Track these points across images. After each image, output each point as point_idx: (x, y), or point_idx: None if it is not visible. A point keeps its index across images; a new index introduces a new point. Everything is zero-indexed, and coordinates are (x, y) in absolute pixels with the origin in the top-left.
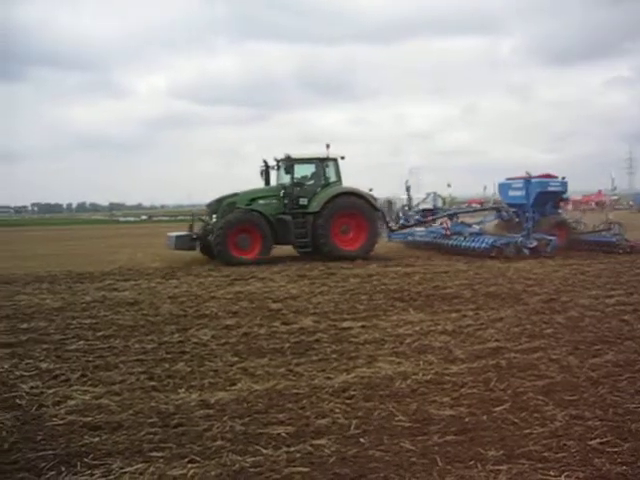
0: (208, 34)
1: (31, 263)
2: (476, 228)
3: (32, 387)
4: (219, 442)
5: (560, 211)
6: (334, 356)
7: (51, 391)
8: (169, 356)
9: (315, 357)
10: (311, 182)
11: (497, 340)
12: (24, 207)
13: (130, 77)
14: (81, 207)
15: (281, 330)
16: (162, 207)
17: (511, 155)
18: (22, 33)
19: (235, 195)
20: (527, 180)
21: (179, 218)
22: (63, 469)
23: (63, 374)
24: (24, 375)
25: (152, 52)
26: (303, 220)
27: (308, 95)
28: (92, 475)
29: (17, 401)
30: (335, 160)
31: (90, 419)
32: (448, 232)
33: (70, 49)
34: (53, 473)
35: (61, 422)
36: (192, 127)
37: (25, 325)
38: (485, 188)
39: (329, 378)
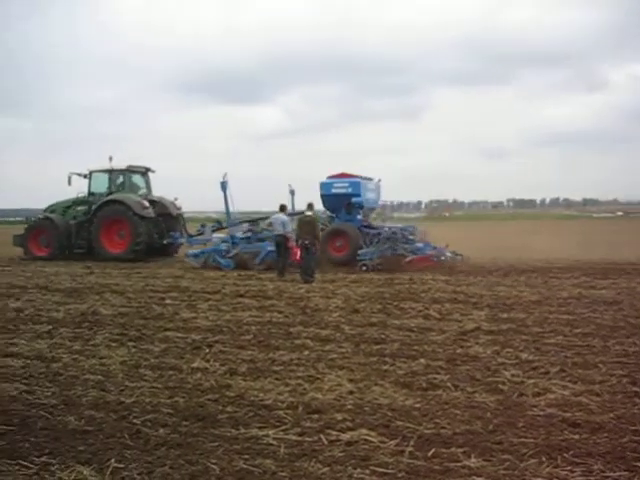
0: None
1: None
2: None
3: (513, 375)
4: None
5: (360, 217)
6: None
7: (531, 381)
8: None
9: None
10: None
11: None
12: (500, 202)
13: (606, 68)
14: (554, 202)
15: None
16: None
17: None
18: (513, 36)
19: (57, 203)
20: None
21: None
22: (543, 459)
23: (542, 367)
24: (505, 363)
25: (630, 40)
26: (88, 226)
27: None
28: (572, 472)
29: (500, 386)
30: (124, 171)
31: (569, 415)
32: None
33: (549, 46)
34: (534, 461)
35: (541, 413)
36: None
37: (505, 315)
38: None
39: None
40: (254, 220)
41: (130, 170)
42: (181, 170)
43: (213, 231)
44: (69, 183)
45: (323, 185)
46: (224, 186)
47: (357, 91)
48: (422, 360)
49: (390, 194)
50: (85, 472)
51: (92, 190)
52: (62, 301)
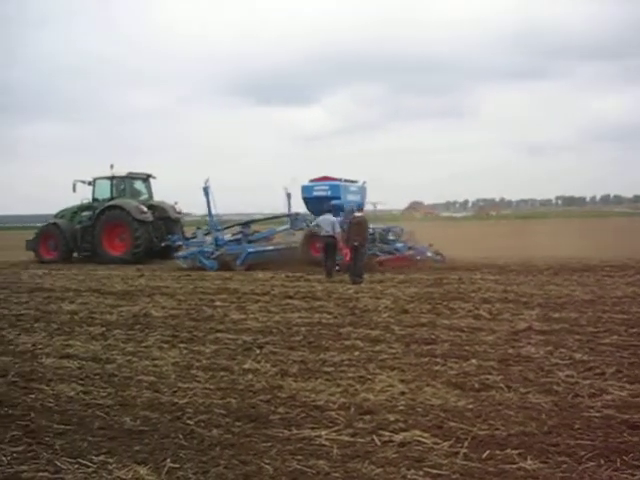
0: None
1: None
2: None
3: (567, 376)
4: None
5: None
6: None
7: (586, 382)
8: None
9: None
10: (105, 198)
11: None
12: (549, 200)
13: None
14: (604, 200)
15: None
16: None
17: None
18: (561, 29)
19: (66, 209)
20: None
21: None
22: (602, 462)
23: (597, 367)
24: (559, 363)
25: None
26: (92, 230)
27: None
28: (633, 475)
29: (554, 387)
30: (125, 178)
31: (628, 417)
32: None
33: (599, 39)
34: (593, 464)
35: (597, 415)
36: None
37: (557, 315)
38: None
39: None
40: (246, 222)
41: (131, 177)
42: (230, 175)
43: (205, 234)
44: (74, 190)
45: (304, 188)
46: (206, 191)
47: (401, 90)
48: (474, 360)
49: (437, 194)
50: (142, 471)
51: (96, 196)
52: (115, 303)
